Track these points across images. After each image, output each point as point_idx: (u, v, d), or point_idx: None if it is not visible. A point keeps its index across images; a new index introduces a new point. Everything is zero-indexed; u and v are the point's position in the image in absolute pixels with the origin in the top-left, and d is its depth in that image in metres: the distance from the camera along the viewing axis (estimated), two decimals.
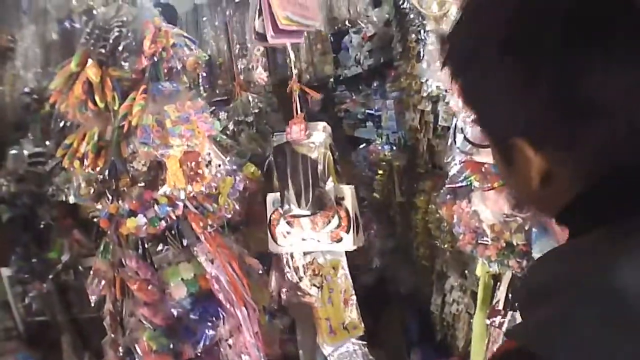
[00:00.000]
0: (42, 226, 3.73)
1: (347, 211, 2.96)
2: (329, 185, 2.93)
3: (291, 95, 2.97)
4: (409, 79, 3.74)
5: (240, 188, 2.89)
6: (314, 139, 2.98)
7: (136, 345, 2.81)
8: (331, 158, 2.99)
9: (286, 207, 2.98)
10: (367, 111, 4.42)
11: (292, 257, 3.15)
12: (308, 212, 2.93)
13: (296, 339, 3.30)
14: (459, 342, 3.67)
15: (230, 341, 2.86)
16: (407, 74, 3.75)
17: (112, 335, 2.95)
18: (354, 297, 3.14)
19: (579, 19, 0.79)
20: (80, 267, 3.76)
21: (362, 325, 3.17)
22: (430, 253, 3.81)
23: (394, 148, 4.08)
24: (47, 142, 3.67)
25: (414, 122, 3.72)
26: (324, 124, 3.01)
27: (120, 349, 2.91)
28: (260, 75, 3.51)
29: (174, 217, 2.78)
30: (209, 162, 2.73)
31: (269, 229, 3.09)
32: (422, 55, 3.52)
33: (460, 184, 2.94)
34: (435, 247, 3.74)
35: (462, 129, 2.76)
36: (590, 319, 0.76)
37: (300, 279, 3.12)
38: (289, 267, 3.14)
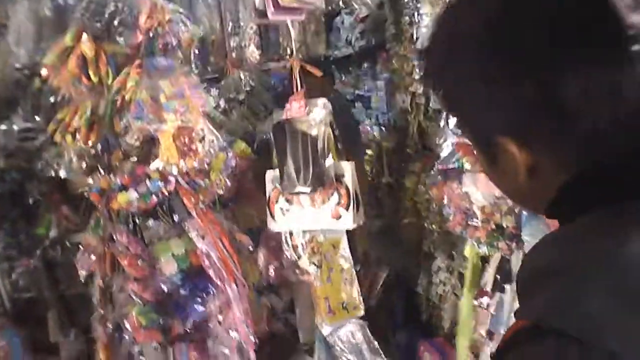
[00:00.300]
0: (30, 202, 3.69)
1: (347, 188, 2.95)
2: (329, 162, 2.95)
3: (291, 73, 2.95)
4: (400, 60, 3.73)
5: (232, 164, 2.88)
6: (314, 116, 2.98)
7: (125, 321, 2.81)
8: (331, 135, 2.99)
9: (285, 184, 2.98)
10: (357, 92, 4.41)
11: (290, 234, 3.15)
12: (308, 190, 2.93)
13: (288, 317, 3.29)
14: (445, 323, 3.69)
15: (220, 317, 2.85)
16: (398, 56, 3.75)
17: (101, 311, 2.94)
18: (355, 277, 3.14)
19: (564, 21, 0.84)
20: (67, 243, 3.73)
21: (363, 305, 3.17)
22: (418, 234, 3.81)
23: (384, 129, 4.08)
24: (37, 118, 3.63)
25: (405, 104, 3.72)
26: (324, 100, 3.00)
27: (109, 325, 2.90)
28: (253, 53, 3.50)
29: (165, 193, 2.77)
30: (203, 137, 2.73)
31: (268, 206, 3.08)
32: (415, 37, 3.51)
33: (451, 166, 2.99)
34: (422, 229, 3.74)
35: None
36: (600, 291, 0.79)
37: (299, 257, 3.13)
38: (288, 245, 3.14)
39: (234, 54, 3.49)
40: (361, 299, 3.16)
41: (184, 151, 2.67)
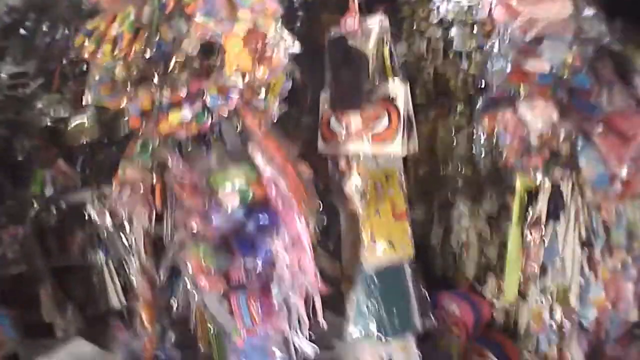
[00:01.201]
0: (20, 159, 2.84)
1: (398, 111, 2.44)
2: (381, 81, 2.47)
3: None
4: (413, 6, 3.18)
5: (289, 87, 2.18)
6: (369, 33, 2.48)
7: (187, 264, 2.03)
8: (386, 52, 2.49)
9: (335, 103, 2.51)
10: None
11: (339, 158, 2.60)
12: (357, 109, 2.44)
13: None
14: (469, 271, 3.25)
15: (287, 257, 2.11)
16: (410, 3, 3.19)
17: (145, 261, 2.16)
18: (407, 213, 2.58)
19: None
20: (63, 205, 2.89)
21: (412, 247, 2.61)
22: (431, 185, 3.22)
23: None
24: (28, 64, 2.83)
25: (421, 50, 3.15)
26: (380, 16, 2.49)
27: (161, 274, 2.13)
28: None
29: (224, 113, 2.03)
30: (277, 44, 2.01)
31: (320, 128, 2.56)
32: None
33: (505, 94, 2.55)
34: (437, 178, 3.22)
35: (509, 39, 2.43)
36: None
37: (346, 183, 2.56)
38: (336, 169, 2.60)
39: None
40: (412, 240, 2.60)
41: (256, 58, 1.93)
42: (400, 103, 2.46)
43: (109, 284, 2.94)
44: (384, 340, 2.56)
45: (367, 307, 2.56)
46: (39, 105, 2.81)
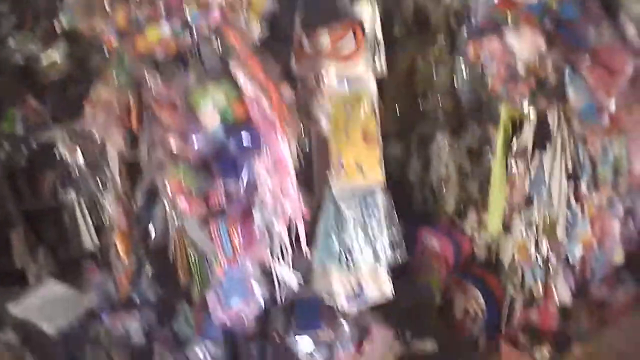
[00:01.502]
0: None
1: (364, 32, 2.39)
2: (350, 2, 2.41)
3: None
4: None
5: (272, 9, 2.05)
6: None
7: (165, 186, 1.92)
8: None
9: (306, 21, 2.37)
10: None
11: (307, 78, 2.45)
12: (326, 26, 2.35)
13: None
14: (448, 206, 3.16)
15: (269, 180, 2.02)
16: None
17: (120, 187, 2.05)
18: (378, 137, 2.48)
19: None
20: (33, 145, 2.76)
21: (383, 173, 2.50)
22: (410, 118, 3.14)
23: None
24: None
25: None
26: None
27: (137, 201, 2.03)
28: None
29: (204, 30, 1.92)
30: None
31: (293, 49, 2.39)
32: None
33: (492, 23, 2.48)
34: (417, 112, 3.15)
35: None
36: None
37: (315, 104, 2.43)
38: (306, 91, 2.44)
39: None
40: (382, 165, 2.50)
41: None
42: (367, 24, 2.39)
43: (82, 224, 2.82)
44: (350, 266, 2.50)
45: (335, 232, 2.47)
46: (11, 43, 2.70)
